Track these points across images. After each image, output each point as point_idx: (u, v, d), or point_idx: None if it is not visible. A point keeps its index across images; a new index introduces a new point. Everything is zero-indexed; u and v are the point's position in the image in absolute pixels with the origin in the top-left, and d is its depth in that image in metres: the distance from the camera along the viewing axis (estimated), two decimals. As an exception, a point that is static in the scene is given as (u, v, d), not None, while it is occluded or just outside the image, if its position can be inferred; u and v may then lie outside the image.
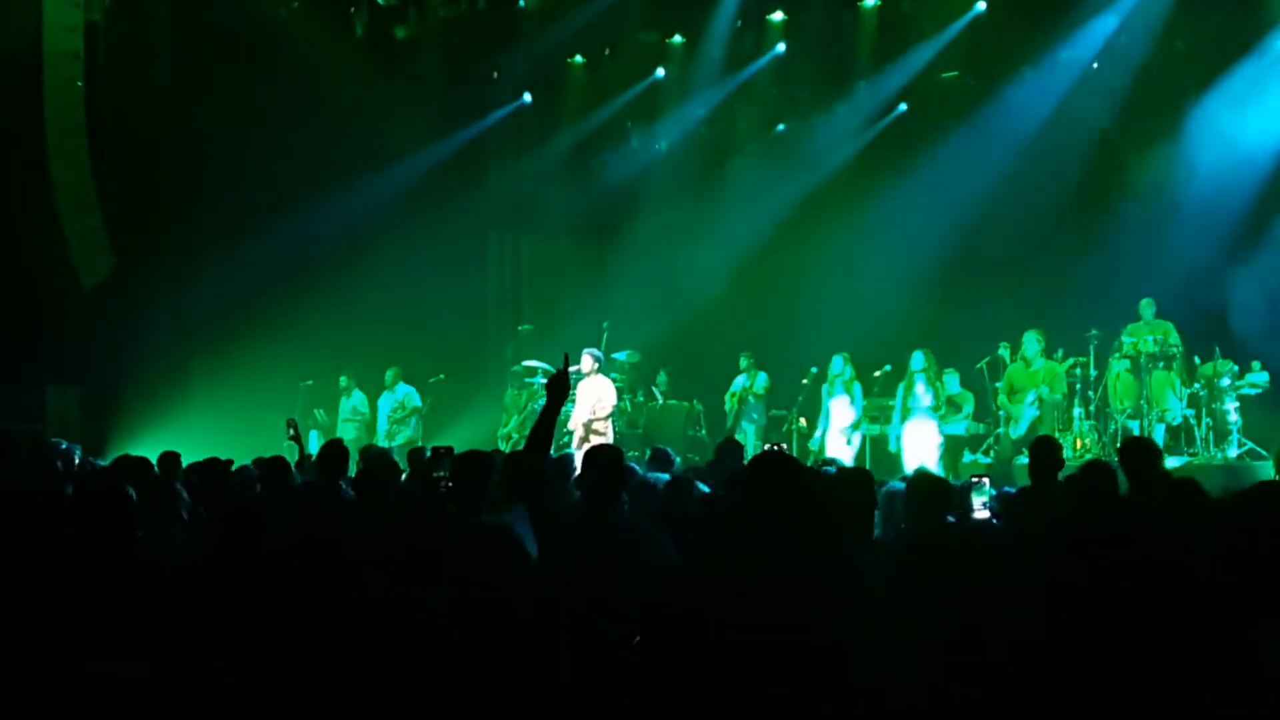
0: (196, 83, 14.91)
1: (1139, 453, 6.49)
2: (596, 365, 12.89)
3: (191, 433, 13.03)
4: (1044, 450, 7.11)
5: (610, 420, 12.77)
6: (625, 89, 17.59)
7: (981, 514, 5.60)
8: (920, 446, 12.65)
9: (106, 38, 14.73)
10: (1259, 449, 12.19)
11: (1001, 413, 13.16)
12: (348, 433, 14.46)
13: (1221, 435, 12.61)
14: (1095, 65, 15.35)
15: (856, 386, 13.31)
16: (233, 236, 15.09)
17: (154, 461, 8.32)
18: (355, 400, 15.16)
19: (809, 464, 10.12)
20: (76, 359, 14.53)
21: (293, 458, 9.25)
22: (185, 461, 8.38)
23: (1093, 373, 13.37)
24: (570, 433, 12.97)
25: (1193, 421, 12.70)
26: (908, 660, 3.00)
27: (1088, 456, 12.48)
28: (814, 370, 14.50)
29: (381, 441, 14.18)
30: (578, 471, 6.32)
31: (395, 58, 16.72)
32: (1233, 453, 12.51)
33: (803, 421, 14.34)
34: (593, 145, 17.88)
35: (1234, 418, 12.56)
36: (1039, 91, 15.64)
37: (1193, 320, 13.25)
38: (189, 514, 6.23)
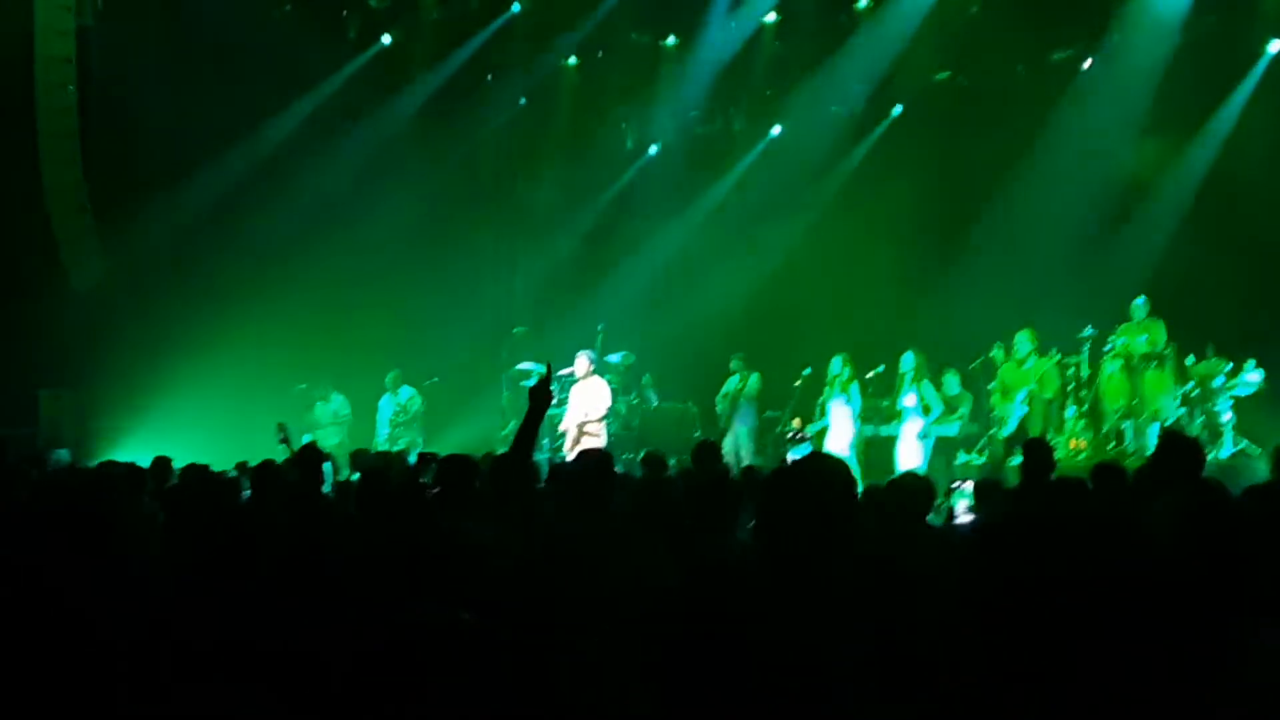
0: (189, 86, 14.88)
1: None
2: (591, 367, 12.86)
3: (184, 437, 13.02)
4: (1034, 452, 7.11)
5: (604, 423, 12.74)
6: (620, 91, 17.59)
7: (966, 517, 5.60)
8: (910, 447, 12.68)
9: (98, 42, 14.68)
10: (1253, 448, 12.18)
11: (995, 413, 13.16)
12: (330, 438, 14.42)
13: (1215, 435, 12.59)
14: (1089, 64, 15.35)
15: (855, 387, 13.31)
16: (225, 240, 15.08)
17: (145, 466, 8.32)
18: (335, 404, 15.07)
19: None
20: (69, 363, 14.52)
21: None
22: (177, 465, 8.38)
23: (1085, 372, 13.36)
24: (564, 435, 12.96)
25: (1185, 421, 12.67)
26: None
27: (1081, 457, 12.50)
28: (808, 371, 14.50)
29: (382, 446, 14.15)
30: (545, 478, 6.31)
31: (388, 62, 16.71)
32: (1226, 453, 12.50)
33: (796, 423, 14.31)
34: (586, 147, 17.86)
35: (1227, 417, 12.54)
36: (1034, 91, 15.66)
37: (1186, 319, 13.23)
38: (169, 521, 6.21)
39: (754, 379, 14.44)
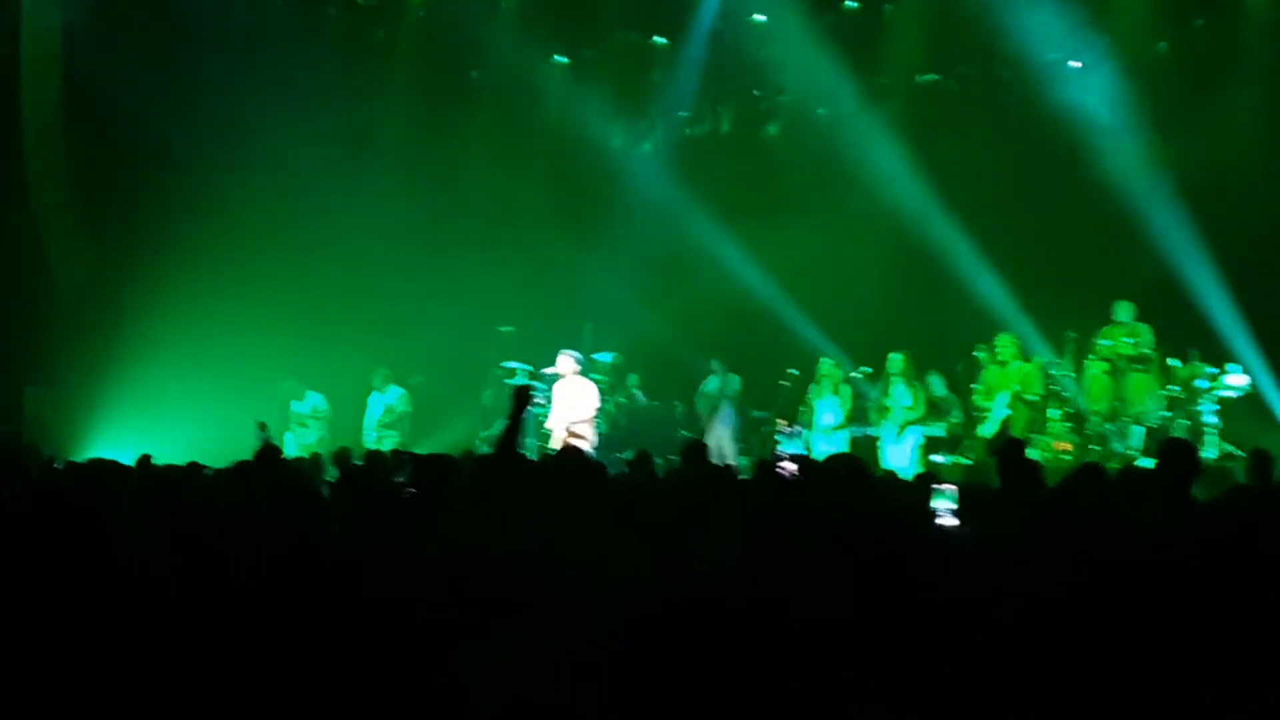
0: (176, 84, 14.85)
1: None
2: (577, 367, 12.85)
3: (169, 435, 13.00)
4: (1008, 452, 7.10)
5: (593, 422, 12.73)
6: (607, 89, 17.58)
7: (948, 519, 5.60)
8: (896, 448, 12.72)
9: (85, 39, 14.64)
10: (1236, 452, 12.20)
11: (979, 414, 13.19)
12: (308, 435, 14.39)
13: (1198, 438, 12.63)
14: (1074, 63, 15.37)
15: (845, 389, 13.32)
16: (211, 238, 15.03)
17: (132, 464, 8.30)
18: (314, 400, 14.99)
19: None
20: (54, 361, 14.48)
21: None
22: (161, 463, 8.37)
23: (1070, 375, 13.39)
24: (549, 433, 12.95)
25: (1169, 424, 12.71)
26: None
27: (1066, 458, 12.53)
28: (794, 372, 14.52)
29: (369, 446, 14.12)
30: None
31: (374, 57, 16.69)
32: (1210, 455, 12.54)
33: (782, 423, 14.33)
34: (574, 146, 17.85)
35: (1211, 420, 12.59)
36: (1020, 92, 15.67)
37: (1170, 323, 13.27)
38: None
39: (734, 380, 14.46)
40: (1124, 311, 13.23)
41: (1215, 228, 13.96)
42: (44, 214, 14.53)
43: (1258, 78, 14.03)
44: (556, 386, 12.81)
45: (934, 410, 13.18)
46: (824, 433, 13.30)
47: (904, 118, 16.35)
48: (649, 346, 16.48)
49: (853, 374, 13.68)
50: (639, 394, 15.84)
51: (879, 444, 13.15)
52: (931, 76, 16.23)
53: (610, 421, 14.91)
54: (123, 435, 13.64)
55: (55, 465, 9.09)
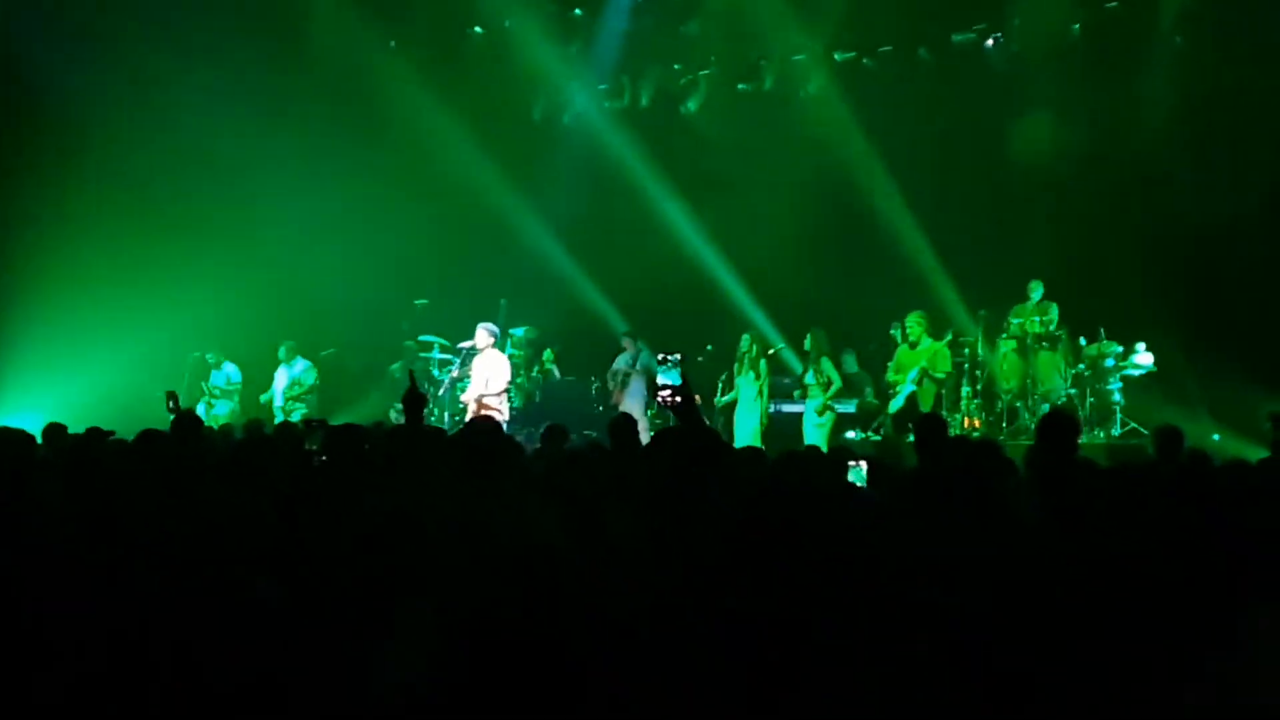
0: (79, 44, 14.48)
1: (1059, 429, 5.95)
2: (492, 340, 12.77)
3: (77, 405, 12.74)
4: (925, 428, 7.18)
5: (505, 396, 12.66)
6: (525, 61, 17.44)
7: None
8: (812, 424, 12.81)
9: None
10: (1141, 429, 12.46)
11: (891, 392, 13.33)
12: (220, 408, 14.19)
13: (1105, 415, 12.89)
14: (990, 43, 15.54)
15: (763, 364, 13.37)
16: (118, 207, 14.71)
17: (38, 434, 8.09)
18: (227, 371, 14.80)
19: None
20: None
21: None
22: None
23: (981, 353, 13.58)
24: (464, 407, 12.86)
25: (1076, 401, 12.95)
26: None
27: (975, 435, 12.72)
28: (709, 348, 14.57)
29: (278, 419, 13.96)
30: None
31: (290, 28, 16.38)
32: (1115, 432, 12.81)
33: (697, 399, 14.33)
34: (492, 118, 17.71)
35: (1117, 398, 12.85)
36: (936, 72, 15.82)
37: (1078, 302, 13.50)
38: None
39: (644, 354, 14.45)
40: (1034, 291, 13.44)
41: (1126, 207, 14.23)
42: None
43: (1169, 58, 14.21)
44: (474, 360, 12.72)
45: (847, 387, 13.28)
46: (744, 408, 13.33)
47: (824, 96, 16.40)
48: (567, 321, 16.43)
49: (770, 350, 13.71)
50: (554, 369, 15.79)
51: (801, 419, 13.22)
52: (850, 55, 16.27)
53: (524, 396, 14.85)
54: (22, 404, 13.35)
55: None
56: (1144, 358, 13.05)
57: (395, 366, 15.10)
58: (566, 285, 16.88)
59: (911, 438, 11.81)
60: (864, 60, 16.36)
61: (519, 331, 15.14)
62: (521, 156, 17.39)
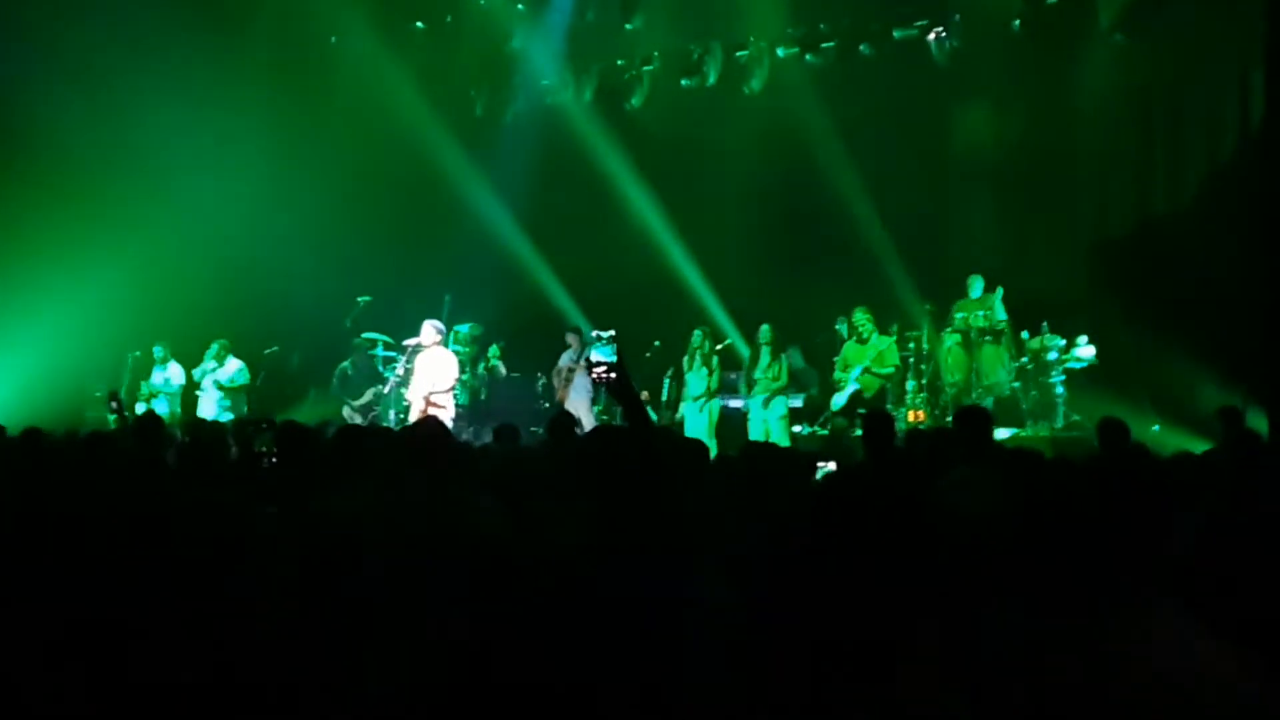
0: (12, 42, 14.22)
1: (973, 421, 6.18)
2: (439, 337, 12.68)
3: (6, 404, 12.53)
4: (873, 423, 7.21)
5: (451, 393, 12.59)
6: (468, 55, 17.37)
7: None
8: (768, 420, 12.85)
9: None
10: (1084, 422, 12.59)
11: (837, 387, 13.39)
12: (160, 408, 13.97)
13: (1048, 408, 13.02)
14: (932, 37, 15.61)
15: (715, 360, 13.38)
16: (49, 197, 14.42)
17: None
18: (169, 371, 14.57)
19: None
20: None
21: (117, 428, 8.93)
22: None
23: (925, 347, 13.68)
24: (408, 404, 12.77)
25: (1020, 394, 13.07)
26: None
27: (921, 427, 12.80)
28: (657, 344, 14.57)
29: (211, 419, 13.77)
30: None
31: (230, 21, 16.18)
32: (1058, 425, 12.93)
33: (645, 395, 14.36)
34: (435, 113, 17.61)
35: (1060, 391, 12.98)
36: (873, 67, 15.89)
37: (1021, 296, 13.63)
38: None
39: (589, 350, 14.42)
40: (973, 285, 13.55)
41: (1068, 200, 14.37)
42: None
43: (1109, 52, 14.33)
44: (419, 357, 12.63)
45: (794, 382, 13.32)
46: (693, 403, 13.34)
47: (767, 91, 16.44)
48: (512, 317, 16.36)
49: (720, 345, 13.72)
50: (500, 365, 15.72)
51: (746, 415, 13.24)
52: (794, 50, 16.31)
53: (470, 393, 14.78)
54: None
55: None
56: (1086, 350, 13.18)
57: (346, 364, 14.95)
58: (511, 281, 16.81)
59: (858, 431, 11.95)
60: (807, 56, 16.38)
61: (464, 328, 15.06)
62: (465, 151, 17.30)
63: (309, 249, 15.67)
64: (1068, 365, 13.08)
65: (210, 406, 14.24)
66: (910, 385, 13.59)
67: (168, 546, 3.96)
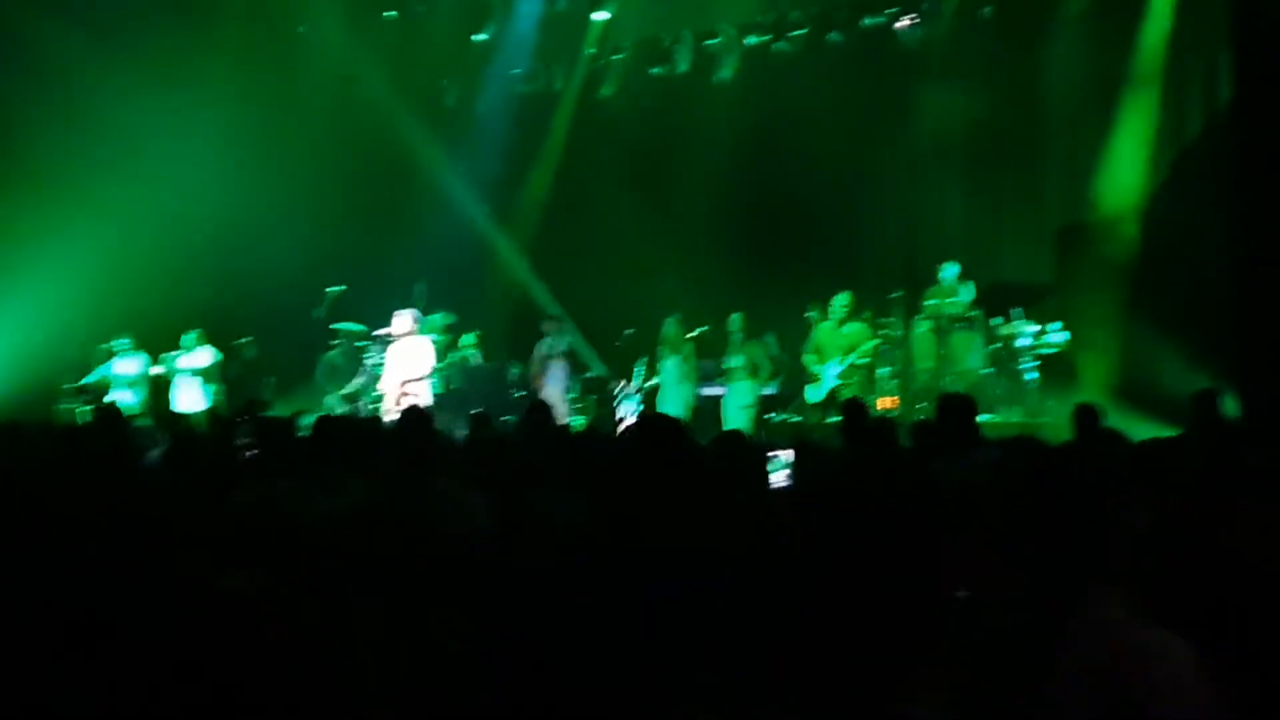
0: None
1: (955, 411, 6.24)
2: (414, 326, 12.69)
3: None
4: (851, 414, 7.26)
5: (426, 382, 12.59)
6: (440, 44, 17.33)
7: (782, 481, 5.67)
8: (735, 408, 12.91)
9: None
10: (1057, 407, 12.68)
11: (808, 374, 13.46)
12: (130, 400, 13.84)
13: (1019, 394, 13.11)
14: (900, 25, 15.65)
15: (688, 348, 13.42)
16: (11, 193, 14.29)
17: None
18: (137, 362, 14.29)
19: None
20: None
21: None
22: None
23: (898, 333, 13.77)
24: (382, 395, 12.76)
25: (992, 381, 13.16)
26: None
27: (892, 414, 12.90)
28: (628, 332, 14.60)
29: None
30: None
31: (199, 7, 16.07)
32: (1030, 410, 13.03)
33: (622, 383, 14.42)
34: (407, 103, 17.58)
35: (1031, 377, 13.07)
36: (842, 54, 15.94)
37: (993, 282, 13.73)
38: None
39: (564, 339, 14.46)
40: (945, 271, 13.62)
41: (1037, 186, 14.45)
42: None
43: (1079, 37, 14.37)
44: (392, 347, 12.62)
45: (767, 370, 13.38)
46: (668, 392, 13.39)
47: (738, 78, 16.46)
48: (485, 307, 16.36)
49: (693, 334, 13.75)
50: (472, 355, 15.70)
51: (721, 403, 13.29)
52: (766, 38, 16.33)
53: (442, 382, 14.77)
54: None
55: None
56: (1057, 336, 13.28)
57: (335, 353, 14.90)
58: (484, 270, 16.82)
59: (832, 418, 12.03)
60: (777, 44, 16.40)
61: (436, 317, 15.04)
62: (437, 140, 17.29)
63: (279, 239, 15.60)
64: (1040, 351, 13.18)
65: (195, 396, 14.11)
66: (882, 372, 13.67)
67: (146, 545, 3.98)
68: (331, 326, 14.93)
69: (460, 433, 9.87)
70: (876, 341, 13.44)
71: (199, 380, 14.14)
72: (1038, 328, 13.24)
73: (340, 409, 13.70)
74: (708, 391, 13.79)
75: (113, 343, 14.29)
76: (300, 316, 15.31)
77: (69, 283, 13.91)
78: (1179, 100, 13.44)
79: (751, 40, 16.49)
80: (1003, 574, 2.72)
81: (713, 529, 3.63)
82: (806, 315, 13.74)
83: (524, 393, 14.86)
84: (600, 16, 16.88)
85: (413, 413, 5.37)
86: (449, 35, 17.29)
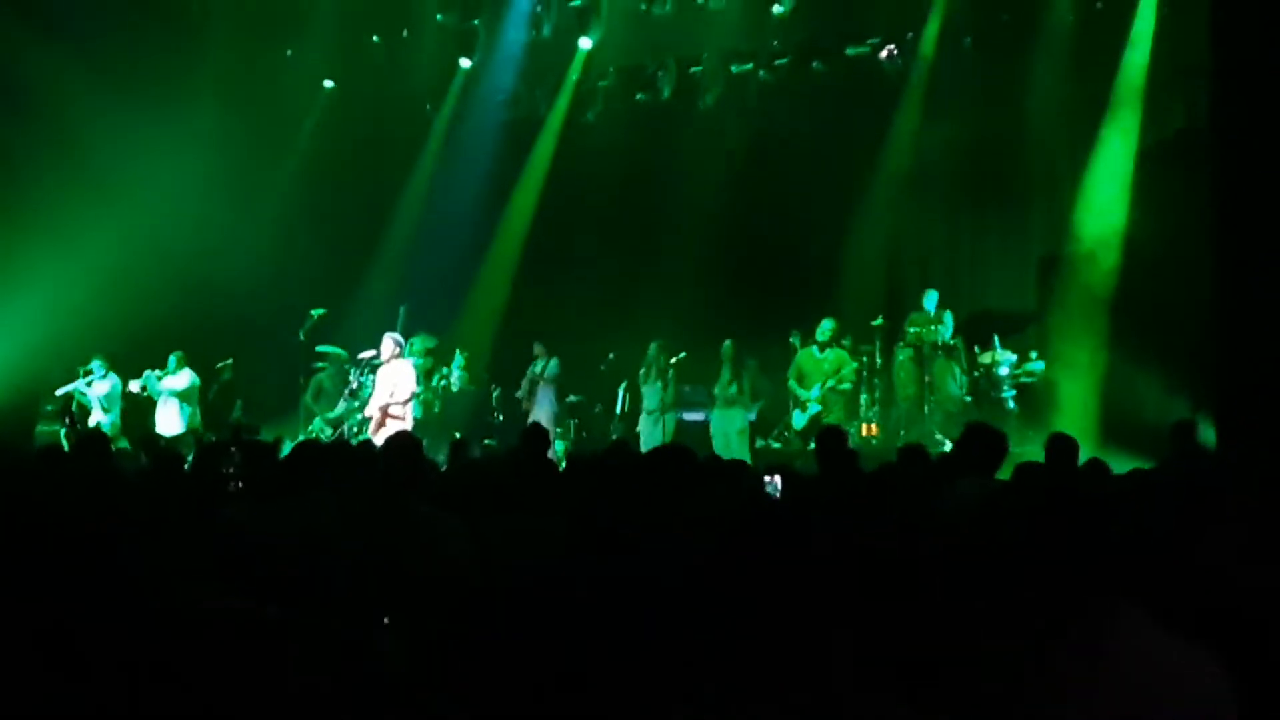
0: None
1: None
2: (398, 350, 12.70)
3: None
4: (829, 440, 7.29)
5: (409, 405, 12.59)
6: (425, 69, 17.38)
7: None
8: (729, 435, 12.96)
9: None
10: (1034, 435, 12.73)
11: (791, 400, 13.51)
12: (104, 420, 13.76)
13: (999, 421, 13.14)
14: (884, 55, 15.73)
15: (671, 373, 13.47)
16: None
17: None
18: (110, 383, 14.12)
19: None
20: None
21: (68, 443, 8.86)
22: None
23: (879, 361, 13.83)
24: (368, 419, 12.75)
25: (972, 409, 13.21)
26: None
27: (874, 441, 12.96)
28: (611, 356, 14.64)
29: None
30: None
31: (188, 30, 16.08)
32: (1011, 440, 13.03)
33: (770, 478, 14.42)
34: (391, 127, 17.63)
35: (1011, 405, 13.13)
36: (825, 83, 16.02)
37: (972, 310, 13.80)
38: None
39: (553, 363, 14.51)
40: (928, 299, 13.70)
41: (1018, 215, 14.52)
42: None
43: (1060, 66, 14.45)
44: (380, 371, 12.63)
45: (753, 396, 13.44)
46: (648, 416, 13.44)
47: (721, 106, 16.53)
48: (467, 330, 16.38)
49: (675, 359, 13.79)
50: (464, 374, 15.69)
51: (711, 429, 13.33)
52: (748, 66, 16.41)
53: (424, 406, 14.76)
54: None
55: None
56: (1037, 365, 13.35)
57: (323, 376, 14.88)
58: (466, 293, 16.85)
59: (812, 446, 12.06)
60: (760, 73, 16.47)
61: (417, 341, 15.05)
62: (421, 164, 17.34)
63: (261, 262, 15.60)
64: (1020, 380, 13.24)
65: (173, 418, 14.02)
66: (863, 399, 13.74)
67: (129, 565, 3.97)
68: (316, 349, 14.91)
69: (440, 457, 9.93)
70: (856, 365, 13.49)
71: (177, 402, 14.04)
72: (1016, 357, 13.31)
73: (325, 433, 13.70)
74: (689, 417, 13.83)
75: (91, 363, 14.21)
76: (281, 339, 15.26)
77: (51, 304, 13.84)
78: (1159, 127, 13.52)
79: (735, 69, 16.55)
80: (1024, 595, 2.74)
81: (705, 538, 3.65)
82: (790, 341, 13.79)
83: (501, 417, 14.92)
84: (586, 44, 16.89)
85: (401, 437, 5.39)
86: (434, 60, 17.32)
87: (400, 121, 17.67)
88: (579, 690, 2.93)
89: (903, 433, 13.38)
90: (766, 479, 5.94)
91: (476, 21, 17.11)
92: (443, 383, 15.48)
